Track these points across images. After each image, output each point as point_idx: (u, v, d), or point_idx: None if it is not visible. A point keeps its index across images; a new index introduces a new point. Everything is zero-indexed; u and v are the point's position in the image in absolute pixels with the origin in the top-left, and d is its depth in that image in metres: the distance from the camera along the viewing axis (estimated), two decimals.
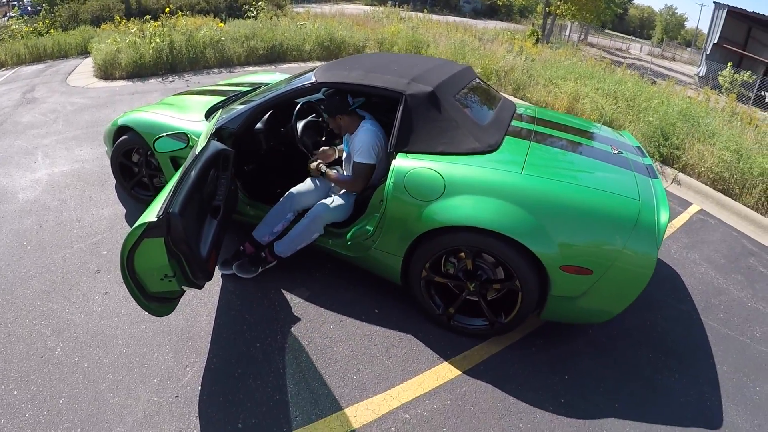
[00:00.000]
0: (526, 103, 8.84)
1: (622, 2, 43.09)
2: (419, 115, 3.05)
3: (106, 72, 10.61)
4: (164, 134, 3.44)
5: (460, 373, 2.84)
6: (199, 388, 2.66)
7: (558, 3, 26.65)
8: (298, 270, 3.62)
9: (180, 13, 14.46)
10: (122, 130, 4.31)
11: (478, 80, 4.13)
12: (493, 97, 4.00)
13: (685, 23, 76.96)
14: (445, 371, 2.85)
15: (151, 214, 2.31)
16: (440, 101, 3.09)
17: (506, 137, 3.26)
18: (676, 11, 77.02)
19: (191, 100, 4.60)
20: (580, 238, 2.65)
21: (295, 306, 3.31)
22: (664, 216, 2.69)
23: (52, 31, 16.36)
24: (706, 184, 6.19)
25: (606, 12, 34.05)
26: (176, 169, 3.82)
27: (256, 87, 4.60)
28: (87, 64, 12.55)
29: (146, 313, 2.83)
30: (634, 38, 53.05)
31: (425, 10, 32.15)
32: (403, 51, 13.08)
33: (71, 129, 6.94)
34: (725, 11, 25.13)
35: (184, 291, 2.61)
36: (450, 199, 2.78)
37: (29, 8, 23.00)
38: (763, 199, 5.69)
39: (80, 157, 5.79)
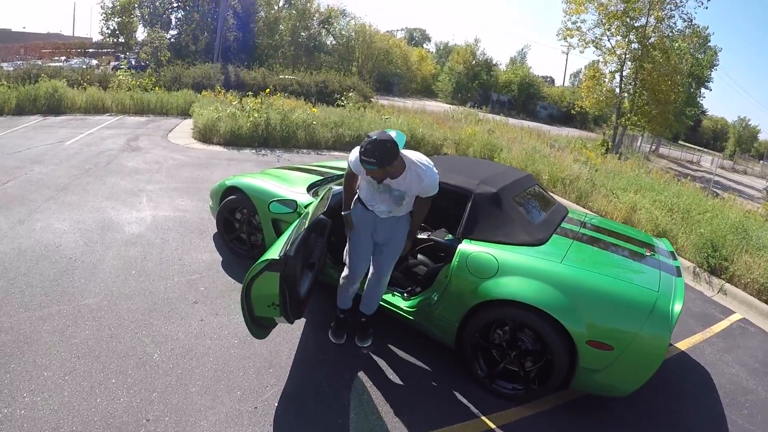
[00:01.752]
0: (584, 210, 9.20)
1: (695, 115, 42.99)
2: (484, 210, 3.77)
3: (205, 136, 11.81)
4: (277, 199, 4.25)
5: (494, 427, 3.25)
6: (276, 404, 3.17)
7: (628, 115, 27.12)
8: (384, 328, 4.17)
9: (279, 93, 15.73)
10: (230, 190, 5.08)
11: (537, 186, 4.82)
12: (548, 202, 4.71)
13: (759, 135, 75.16)
14: (481, 425, 3.26)
15: (273, 254, 2.93)
16: (502, 201, 3.80)
17: (554, 235, 3.92)
18: (749, 123, 75.16)
19: (293, 174, 5.37)
20: (605, 319, 3.17)
21: (362, 356, 3.82)
22: (678, 306, 3.18)
23: (156, 88, 18.19)
24: (752, 295, 6.29)
25: (676, 125, 34.23)
26: (276, 232, 4.58)
27: None
28: (186, 125, 13.95)
29: (236, 339, 3.72)
30: (705, 150, 52.48)
31: (501, 114, 33.43)
32: (478, 153, 13.75)
33: (173, 181, 7.87)
34: None
35: (276, 324, 3.22)
36: (501, 278, 3.37)
37: (133, 62, 25.57)
38: None
39: (182, 207, 6.61)
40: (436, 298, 3.69)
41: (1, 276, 4.28)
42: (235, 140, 11.78)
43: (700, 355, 4.68)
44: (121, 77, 18.37)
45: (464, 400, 3.46)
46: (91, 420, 2.82)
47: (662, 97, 26.06)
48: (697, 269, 6.98)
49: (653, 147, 39.21)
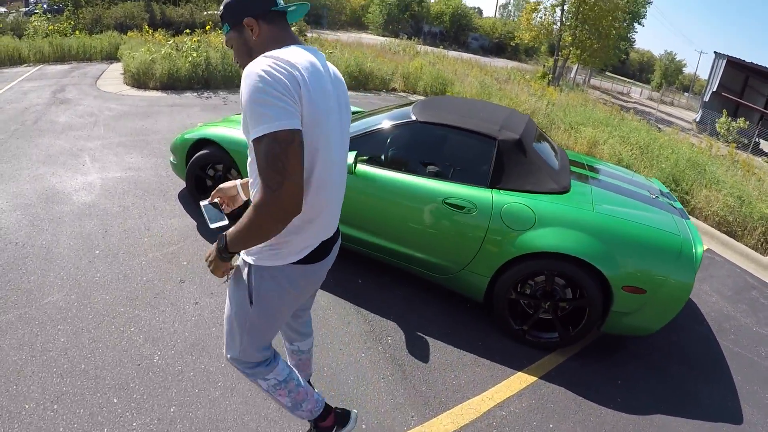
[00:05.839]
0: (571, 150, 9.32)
1: (625, 48, 44.28)
2: (510, 158, 3.55)
3: (139, 80, 10.73)
4: None
5: (537, 378, 3.26)
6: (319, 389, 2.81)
7: (571, 49, 27.38)
8: (381, 292, 3.92)
9: (219, 30, 14.54)
10: (200, 143, 4.49)
11: (538, 129, 4.51)
12: (552, 145, 4.44)
13: (683, 69, 77.79)
14: (526, 377, 3.26)
15: None
16: (525, 147, 3.60)
17: (572, 180, 3.82)
18: (675, 57, 77.80)
19: None
20: (638, 264, 3.21)
21: (389, 323, 3.56)
22: (699, 248, 3.29)
23: (77, 32, 16.45)
24: (712, 227, 6.80)
25: (612, 57, 35.19)
26: None
27: None
28: (114, 70, 12.71)
29: None
30: (634, 82, 54.02)
31: (442, 46, 32.81)
32: (429, 87, 13.50)
33: (115, 135, 6.99)
34: (725, 61, 26.50)
35: None
36: (539, 230, 3.28)
37: (45, 6, 23.19)
38: (762, 240, 6.39)
39: (132, 165, 5.83)
40: (470, 255, 3.49)
41: None
42: (173, 83, 10.79)
43: None
44: (36, 23, 16.49)
45: (502, 356, 3.44)
46: None
47: (603, 32, 26.67)
48: None
49: (586, 78, 40.02)
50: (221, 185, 2.05)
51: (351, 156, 3.51)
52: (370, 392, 2.89)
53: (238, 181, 2.07)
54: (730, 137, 18.58)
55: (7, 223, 4.21)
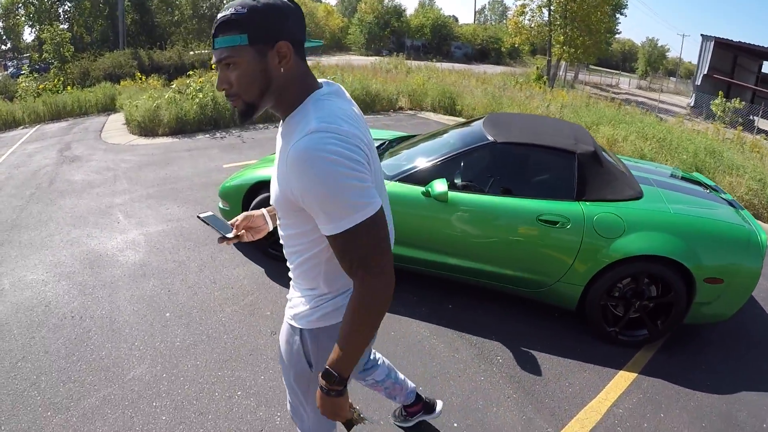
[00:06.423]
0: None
1: (610, 39, 44.88)
2: (590, 169, 3.68)
3: (146, 129, 10.46)
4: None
5: (637, 374, 3.40)
6: (455, 424, 2.78)
7: (564, 48, 27.71)
8: (474, 313, 3.92)
9: (214, 68, 14.42)
10: (257, 187, 4.32)
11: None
12: (607, 151, 4.48)
13: (667, 54, 77.88)
14: (627, 374, 3.39)
15: None
16: (600, 157, 3.73)
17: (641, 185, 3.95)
18: (657, 42, 77.55)
19: None
20: (715, 256, 3.42)
21: (493, 344, 3.59)
22: (763, 235, 3.48)
23: (69, 88, 16.32)
24: None
25: (604, 51, 35.62)
26: None
27: (393, 140, 5.12)
28: (115, 121, 12.45)
29: None
30: (620, 72, 54.37)
31: (434, 59, 32.94)
32: (436, 102, 13.41)
33: (140, 187, 6.70)
34: (713, 42, 26.76)
35: None
36: (630, 236, 3.44)
37: (28, 65, 23.25)
38: None
39: (171, 216, 5.54)
40: (565, 268, 3.60)
41: None
42: (182, 127, 10.53)
43: None
44: (24, 84, 16.41)
45: (601, 358, 3.53)
46: None
47: (593, 27, 27.29)
48: None
49: (574, 75, 40.27)
50: (248, 213, 1.84)
51: (442, 184, 3.56)
52: (502, 413, 2.91)
53: (263, 210, 1.87)
54: (727, 118, 18.58)
55: (55, 295, 3.87)
